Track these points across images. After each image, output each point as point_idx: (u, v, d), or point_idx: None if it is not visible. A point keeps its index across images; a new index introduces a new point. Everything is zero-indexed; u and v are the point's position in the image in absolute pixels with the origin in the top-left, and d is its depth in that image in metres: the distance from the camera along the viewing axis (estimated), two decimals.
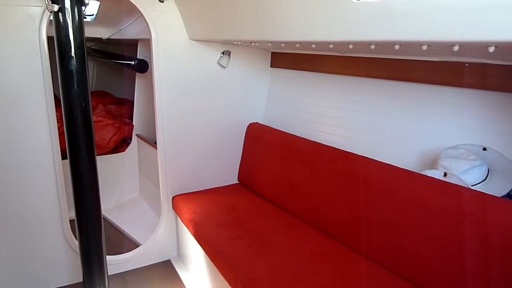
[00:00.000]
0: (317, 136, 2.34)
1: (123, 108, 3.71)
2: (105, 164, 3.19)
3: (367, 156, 1.88)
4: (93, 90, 4.41)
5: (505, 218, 1.29)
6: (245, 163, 2.69)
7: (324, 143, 2.15)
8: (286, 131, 2.46)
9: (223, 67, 2.56)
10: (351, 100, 2.22)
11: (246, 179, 2.65)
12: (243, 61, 2.65)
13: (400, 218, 1.60)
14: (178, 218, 2.45)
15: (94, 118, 3.13)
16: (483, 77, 1.63)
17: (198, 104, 2.54)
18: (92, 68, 4.73)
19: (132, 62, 3.07)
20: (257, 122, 2.73)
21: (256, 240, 1.88)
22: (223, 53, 2.53)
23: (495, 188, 1.49)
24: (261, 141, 2.55)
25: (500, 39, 0.99)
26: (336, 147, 2.06)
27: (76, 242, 1.63)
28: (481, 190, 1.46)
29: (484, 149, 1.63)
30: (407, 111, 1.93)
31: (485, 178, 1.54)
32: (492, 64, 1.58)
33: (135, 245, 2.66)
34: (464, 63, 1.68)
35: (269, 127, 2.60)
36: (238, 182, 2.76)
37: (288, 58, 2.62)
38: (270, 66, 2.79)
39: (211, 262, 1.95)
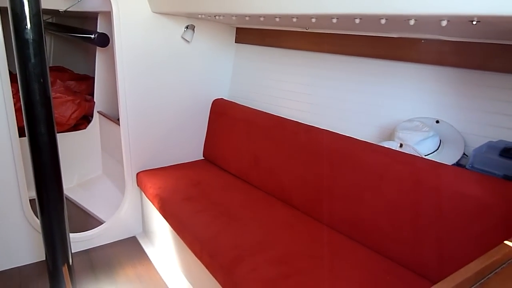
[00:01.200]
0: (282, 112, 2.38)
1: (83, 84, 3.59)
2: (65, 142, 3.10)
3: (329, 130, 1.94)
4: (51, 65, 4.22)
5: (454, 183, 1.39)
6: (210, 139, 2.70)
7: (288, 118, 2.19)
8: (250, 107, 2.48)
9: (187, 41, 2.53)
10: (314, 76, 2.26)
11: (211, 154, 2.67)
12: (207, 36, 2.63)
13: (359, 187, 1.68)
14: (143, 194, 2.44)
15: (53, 94, 3.03)
16: (438, 53, 1.71)
17: (162, 79, 2.50)
18: (49, 43, 4.51)
19: (92, 36, 2.96)
20: (222, 98, 2.73)
21: (222, 213, 1.91)
22: (187, 27, 2.49)
23: (446, 157, 1.58)
24: (225, 117, 2.56)
25: (451, 12, 1.05)
26: (300, 121, 2.11)
27: (38, 221, 1.59)
28: (433, 159, 1.55)
29: (437, 121, 1.72)
30: (367, 86, 1.99)
31: (437, 148, 1.63)
32: (447, 40, 1.65)
33: (100, 223, 2.63)
34: (420, 39, 1.75)
35: (234, 102, 2.61)
36: (203, 158, 2.77)
37: (253, 34, 2.62)
38: (235, 42, 2.78)
39: (177, 236, 1.97)
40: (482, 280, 0.81)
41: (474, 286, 0.79)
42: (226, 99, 2.74)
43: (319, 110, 2.21)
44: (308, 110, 2.27)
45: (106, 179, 3.32)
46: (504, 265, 0.87)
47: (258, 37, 2.58)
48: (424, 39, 1.74)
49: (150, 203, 2.30)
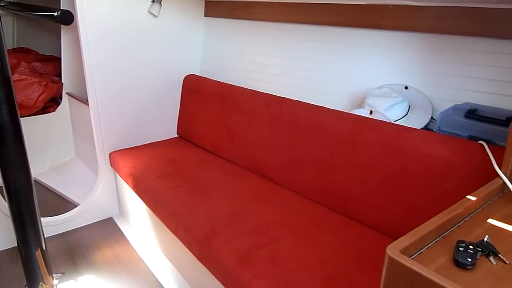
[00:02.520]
0: (255, 85, 2.35)
1: (50, 65, 3.45)
2: (34, 126, 3.01)
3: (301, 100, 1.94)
4: (15, 47, 4.04)
5: (421, 146, 1.41)
6: (183, 116, 2.66)
7: (260, 91, 2.17)
8: (222, 81, 2.44)
9: (155, 16, 2.45)
10: (286, 48, 2.24)
11: (185, 132, 2.64)
12: (175, 10, 2.55)
13: (331, 155, 1.69)
14: (117, 174, 2.40)
15: (17, 76, 2.93)
16: (406, 19, 1.70)
17: (130, 57, 2.43)
18: (12, 24, 4.30)
19: (55, 14, 2.83)
20: (193, 74, 2.68)
21: (196, 188, 1.90)
22: (153, 1, 2.41)
23: (415, 122, 1.61)
24: (198, 93, 2.52)
25: None
26: (272, 94, 2.09)
27: (6, 205, 1.55)
28: (402, 124, 1.57)
29: (406, 87, 1.73)
30: (338, 55, 1.98)
31: (406, 114, 1.65)
32: (413, 5, 1.65)
33: (75, 206, 2.58)
34: (388, 5, 1.74)
35: (206, 78, 2.57)
36: (177, 135, 2.73)
37: (222, 7, 2.56)
38: (205, 16, 2.72)
39: (151, 213, 1.95)
40: (445, 233, 0.83)
41: (437, 238, 0.81)
42: (198, 74, 2.69)
43: (292, 82, 2.19)
44: (280, 83, 2.25)
45: (80, 162, 3.26)
46: (466, 219, 0.89)
47: (227, 10, 2.52)
48: (391, 5, 1.73)
49: (125, 182, 2.27)
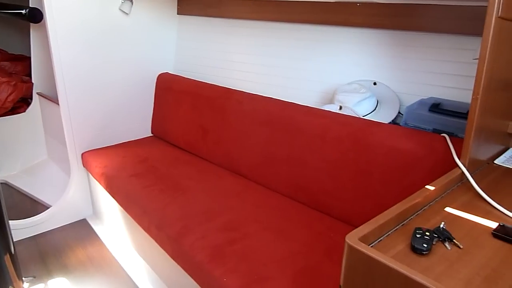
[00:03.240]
0: (228, 83, 2.36)
1: (19, 64, 3.36)
2: (3, 127, 2.93)
3: (273, 97, 1.95)
4: None
5: (388, 140, 1.45)
6: (157, 114, 2.64)
7: (233, 88, 2.18)
8: (196, 79, 2.44)
9: (126, 13, 2.43)
10: (258, 45, 2.25)
11: (160, 130, 2.62)
12: (147, 8, 2.53)
13: (302, 151, 1.72)
14: (90, 174, 2.37)
15: None
16: (374, 16, 1.74)
17: (101, 55, 2.39)
18: None
19: (23, 11, 2.76)
20: (167, 72, 2.67)
21: (169, 186, 1.90)
22: None
23: (383, 117, 1.64)
24: (171, 91, 2.51)
25: None
26: (246, 91, 2.10)
27: None
28: (371, 119, 1.61)
29: (375, 83, 1.77)
30: (309, 53, 2.01)
31: (375, 109, 1.69)
32: (381, 3, 1.69)
33: (47, 208, 2.53)
34: (356, 3, 1.78)
35: (179, 76, 2.56)
36: (152, 134, 2.71)
37: (194, 4, 2.56)
38: (177, 14, 2.70)
39: (124, 212, 1.94)
40: (404, 222, 0.86)
41: (397, 227, 0.84)
42: (172, 73, 2.68)
43: (265, 79, 2.21)
44: (253, 80, 2.27)
45: (52, 163, 3.19)
46: (425, 207, 0.92)
47: (200, 8, 2.52)
48: (359, 3, 1.76)
49: (97, 183, 2.24)
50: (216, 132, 2.15)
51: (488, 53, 0.98)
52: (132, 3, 2.41)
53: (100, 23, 2.34)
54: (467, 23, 1.45)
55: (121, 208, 1.98)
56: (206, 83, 2.35)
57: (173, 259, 1.55)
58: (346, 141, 1.56)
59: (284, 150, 1.79)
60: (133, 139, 2.62)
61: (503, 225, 0.82)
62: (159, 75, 2.64)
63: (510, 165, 1.17)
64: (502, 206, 0.90)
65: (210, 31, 2.53)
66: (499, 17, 0.97)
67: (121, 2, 2.38)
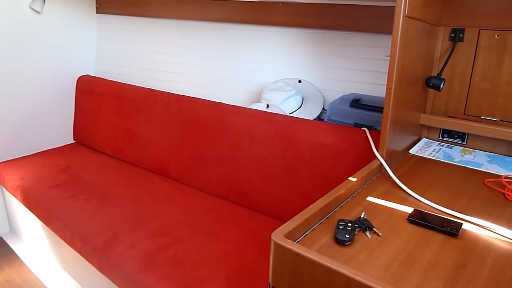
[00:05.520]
0: (154, 84, 2.29)
1: None
2: None
3: (200, 98, 1.92)
4: None
5: (313, 135, 1.49)
6: (79, 120, 2.48)
7: (159, 90, 2.11)
8: (119, 81, 2.33)
9: (38, 12, 2.25)
10: (184, 45, 2.21)
11: (82, 136, 2.46)
12: (62, 6, 2.37)
13: (232, 150, 1.71)
14: (3, 188, 2.16)
15: None
16: (296, 15, 1.78)
17: (10, 57, 2.19)
18: None
19: None
20: (87, 75, 2.52)
21: (94, 195, 1.79)
22: None
23: (308, 113, 1.69)
24: (93, 94, 2.37)
25: None
26: (172, 92, 2.05)
27: None
28: (297, 116, 1.64)
29: (300, 81, 1.82)
30: (236, 52, 2.01)
31: (300, 106, 1.73)
32: (301, 2, 1.73)
33: None
34: (278, 2, 1.81)
35: (101, 78, 2.43)
36: (74, 141, 2.55)
37: (114, 3, 2.44)
38: (96, 12, 2.56)
39: (45, 226, 1.79)
40: (329, 214, 0.89)
41: (321, 220, 0.86)
42: (93, 75, 2.53)
43: (192, 79, 2.17)
44: (180, 80, 2.22)
45: None
46: (348, 199, 0.96)
47: (120, 6, 2.41)
48: (281, 2, 1.79)
49: (13, 197, 2.05)
50: (143, 135, 2.07)
51: (398, 50, 1.04)
52: (44, 1, 2.23)
53: (7, 22, 2.14)
54: (383, 22, 1.54)
55: (42, 223, 1.83)
56: (131, 84, 2.25)
57: (101, 272, 1.46)
58: (273, 138, 1.58)
59: (214, 151, 1.77)
60: (53, 147, 2.44)
61: (417, 210, 0.88)
62: (79, 77, 2.49)
63: (423, 154, 1.26)
64: (416, 193, 0.96)
65: (133, 30, 2.43)
66: (406, 16, 1.04)
67: (31, 0, 2.20)
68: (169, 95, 2.00)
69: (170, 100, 1.96)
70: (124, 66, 2.49)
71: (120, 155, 2.23)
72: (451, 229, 0.80)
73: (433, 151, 1.28)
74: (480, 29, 1.27)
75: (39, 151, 2.37)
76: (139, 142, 2.09)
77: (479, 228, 0.83)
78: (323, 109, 1.71)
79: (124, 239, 1.46)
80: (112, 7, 2.47)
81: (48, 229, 1.79)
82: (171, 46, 2.27)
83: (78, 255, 1.58)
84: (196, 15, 2.10)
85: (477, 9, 1.27)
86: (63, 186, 1.88)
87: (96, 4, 2.55)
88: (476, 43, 1.28)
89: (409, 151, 1.28)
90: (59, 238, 1.69)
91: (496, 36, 1.24)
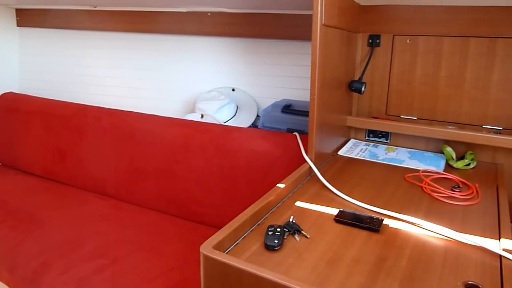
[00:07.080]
0: (85, 99, 2.20)
1: None
2: None
3: (134, 111, 1.88)
4: None
5: (247, 143, 1.51)
6: (2, 140, 2.31)
7: (91, 105, 2.03)
8: (46, 98, 2.21)
9: None
10: (115, 57, 2.15)
11: (7, 158, 2.30)
12: None
13: (168, 162, 1.68)
14: None
15: None
16: (225, 25, 1.80)
17: None
18: None
19: None
20: (11, 92, 2.36)
21: (23, 221, 1.67)
22: None
23: (243, 121, 1.71)
24: (18, 113, 2.22)
25: None
26: (103, 106, 1.98)
27: None
28: (232, 125, 1.65)
29: (233, 90, 1.84)
30: (169, 63, 1.99)
31: (235, 114, 1.74)
32: (229, 12, 1.75)
33: None
34: (207, 12, 1.82)
35: (26, 95, 2.29)
36: None
37: (38, 16, 2.32)
38: (17, 25, 2.42)
39: None
40: (259, 221, 0.90)
41: (252, 227, 0.87)
42: (16, 92, 2.38)
43: (125, 92, 2.12)
44: (113, 94, 2.15)
45: None
46: (279, 204, 0.98)
47: (43, 19, 2.29)
48: (210, 12, 1.80)
49: None
50: (75, 153, 1.98)
51: (318, 57, 1.09)
52: None
53: None
54: (307, 29, 1.59)
55: None
56: (59, 100, 2.14)
57: None
58: (209, 148, 1.57)
59: (150, 164, 1.73)
60: None
61: (343, 210, 0.92)
62: (2, 95, 2.33)
63: (350, 155, 1.32)
64: (343, 193, 1.01)
65: (59, 44, 2.32)
66: (323, 25, 1.08)
67: None
68: (100, 110, 1.93)
69: (101, 115, 1.89)
70: (51, 81, 2.36)
71: (50, 175, 2.10)
72: (373, 225, 0.84)
73: (360, 151, 1.35)
74: (394, 35, 1.36)
75: None
76: (71, 160, 1.99)
77: (399, 222, 0.88)
78: (257, 116, 1.74)
79: (56, 265, 1.38)
80: (34, 20, 2.34)
81: None
82: (102, 59, 2.19)
83: (6, 287, 1.47)
84: (125, 27, 2.06)
85: (390, 16, 1.36)
86: None
87: (17, 17, 2.40)
88: (391, 48, 1.37)
89: (338, 153, 1.33)
90: None
91: (408, 40, 1.34)
